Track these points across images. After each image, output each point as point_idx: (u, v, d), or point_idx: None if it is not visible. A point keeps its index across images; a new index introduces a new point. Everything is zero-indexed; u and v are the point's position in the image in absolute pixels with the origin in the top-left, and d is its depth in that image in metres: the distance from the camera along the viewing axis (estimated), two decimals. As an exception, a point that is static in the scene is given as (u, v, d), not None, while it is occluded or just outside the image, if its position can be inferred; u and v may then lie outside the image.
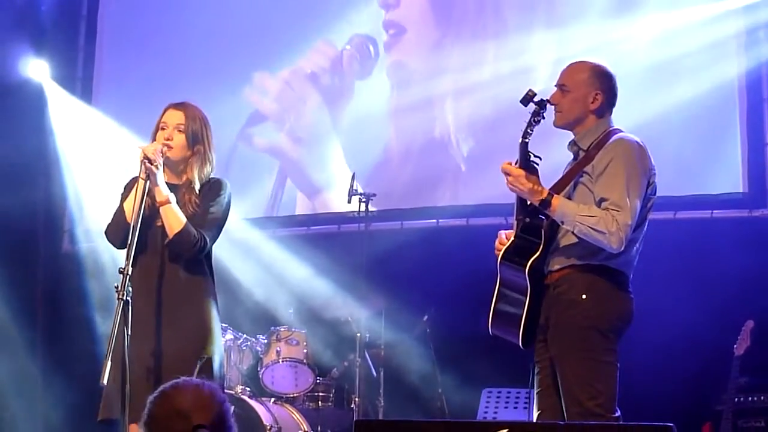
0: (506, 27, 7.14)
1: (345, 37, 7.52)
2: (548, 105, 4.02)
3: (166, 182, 4.23)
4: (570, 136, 4.17)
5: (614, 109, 4.17)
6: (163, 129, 4.30)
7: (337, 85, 7.54)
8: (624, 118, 4.26)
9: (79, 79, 8.20)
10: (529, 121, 3.99)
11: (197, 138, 4.31)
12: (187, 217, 4.22)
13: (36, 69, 7.87)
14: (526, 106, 3.99)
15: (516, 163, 4.00)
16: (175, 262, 4.24)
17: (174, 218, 4.18)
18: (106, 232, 4.32)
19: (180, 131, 4.28)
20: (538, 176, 4.00)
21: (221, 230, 4.36)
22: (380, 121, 7.43)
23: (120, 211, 4.26)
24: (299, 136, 7.57)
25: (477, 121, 7.06)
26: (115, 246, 4.27)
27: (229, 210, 4.39)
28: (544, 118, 4.00)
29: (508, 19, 7.15)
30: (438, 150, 7.22)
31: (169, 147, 4.24)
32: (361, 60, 7.49)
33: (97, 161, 7.68)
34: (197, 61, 7.80)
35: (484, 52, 7.11)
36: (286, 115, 7.61)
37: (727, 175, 6.47)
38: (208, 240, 4.26)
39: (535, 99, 3.98)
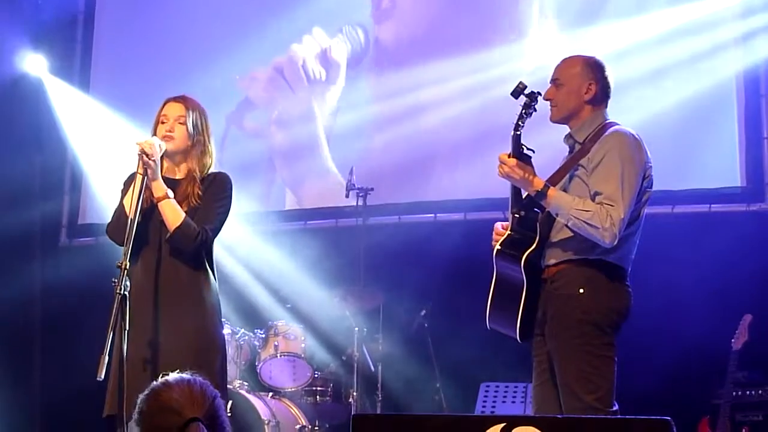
0: (505, 23, 7.13)
1: (336, 26, 7.51)
2: (539, 97, 4.00)
3: (168, 176, 4.24)
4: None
5: (614, 104, 4.17)
6: (163, 123, 4.30)
7: (328, 74, 7.52)
8: (623, 112, 4.25)
9: (77, 71, 8.20)
10: (521, 113, 3.98)
11: (198, 130, 4.31)
12: (190, 209, 4.21)
13: (33, 63, 7.86)
14: (516, 98, 3.98)
15: (509, 156, 3.99)
16: (176, 257, 4.23)
17: (173, 213, 4.17)
18: (107, 230, 4.30)
19: (181, 123, 4.29)
20: (532, 167, 4.00)
21: (223, 225, 4.36)
22: (372, 113, 7.39)
23: (120, 208, 4.24)
24: (288, 124, 7.57)
25: (473, 114, 7.03)
26: (117, 243, 4.20)
27: (231, 205, 4.39)
28: (535, 110, 3.99)
29: (509, 17, 7.14)
30: (434, 143, 7.20)
31: (171, 138, 4.25)
32: (352, 49, 7.49)
33: (95, 154, 7.67)
34: (192, 50, 7.79)
35: (481, 42, 7.10)
36: (276, 103, 7.60)
37: (725, 170, 6.47)
38: (210, 234, 4.26)
39: (526, 91, 3.97)
